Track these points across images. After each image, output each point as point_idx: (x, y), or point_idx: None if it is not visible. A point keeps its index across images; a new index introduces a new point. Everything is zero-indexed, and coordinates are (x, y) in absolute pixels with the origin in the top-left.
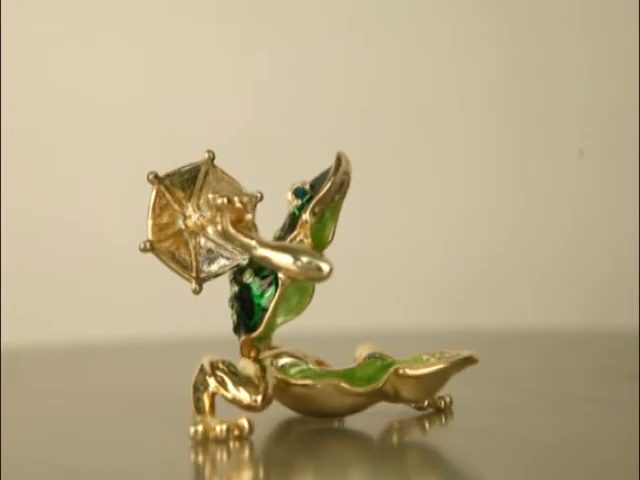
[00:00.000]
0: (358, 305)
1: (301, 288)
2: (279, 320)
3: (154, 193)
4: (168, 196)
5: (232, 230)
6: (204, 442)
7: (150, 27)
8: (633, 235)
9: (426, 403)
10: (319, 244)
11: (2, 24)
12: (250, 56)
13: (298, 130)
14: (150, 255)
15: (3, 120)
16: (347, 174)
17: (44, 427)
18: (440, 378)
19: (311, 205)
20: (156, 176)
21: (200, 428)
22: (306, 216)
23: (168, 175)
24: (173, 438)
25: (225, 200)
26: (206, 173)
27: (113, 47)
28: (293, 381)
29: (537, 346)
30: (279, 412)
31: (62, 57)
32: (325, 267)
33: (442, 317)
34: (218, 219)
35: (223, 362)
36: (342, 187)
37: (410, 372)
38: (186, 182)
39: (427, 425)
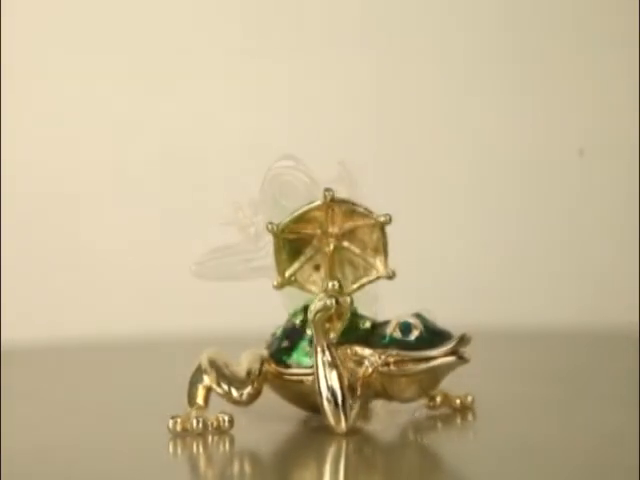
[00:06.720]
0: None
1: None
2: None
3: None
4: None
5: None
6: (183, 434)
7: (152, 33)
8: (633, 235)
9: (438, 400)
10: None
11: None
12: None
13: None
14: (150, 255)
15: (3, 120)
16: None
17: (44, 426)
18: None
19: None
20: (274, 225)
21: (179, 420)
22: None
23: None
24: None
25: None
26: (329, 208)
27: (110, 46)
28: (283, 370)
29: (536, 345)
30: (284, 409)
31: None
32: None
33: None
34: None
35: (219, 358)
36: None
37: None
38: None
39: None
